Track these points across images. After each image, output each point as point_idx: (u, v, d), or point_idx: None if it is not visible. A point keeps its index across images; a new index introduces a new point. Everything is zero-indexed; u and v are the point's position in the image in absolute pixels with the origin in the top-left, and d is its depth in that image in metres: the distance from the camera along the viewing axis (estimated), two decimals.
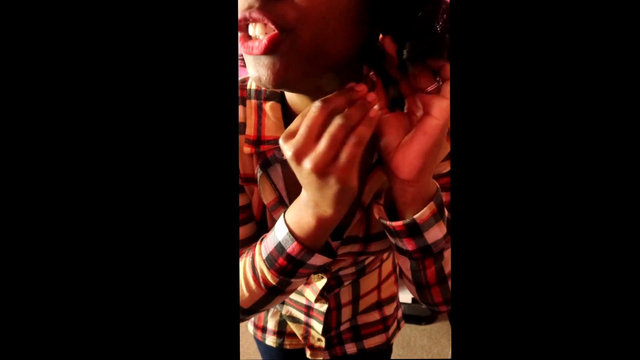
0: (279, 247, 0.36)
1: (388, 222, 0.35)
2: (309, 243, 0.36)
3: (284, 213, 0.37)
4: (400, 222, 0.35)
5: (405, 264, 0.39)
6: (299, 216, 0.35)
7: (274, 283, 0.38)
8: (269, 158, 0.41)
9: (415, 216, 0.34)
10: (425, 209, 0.34)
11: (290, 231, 0.35)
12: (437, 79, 0.33)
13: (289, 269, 0.37)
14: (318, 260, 0.37)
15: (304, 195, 0.34)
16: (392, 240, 0.38)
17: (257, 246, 0.39)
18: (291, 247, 0.36)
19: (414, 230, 0.35)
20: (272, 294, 0.40)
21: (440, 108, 0.31)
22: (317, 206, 0.33)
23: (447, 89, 0.32)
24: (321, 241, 0.37)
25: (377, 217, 0.37)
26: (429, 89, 0.33)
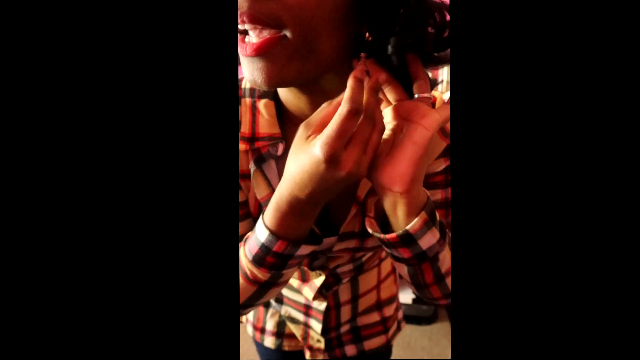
0: (264, 248, 0.36)
1: (382, 235, 0.36)
2: (293, 237, 0.36)
3: (262, 215, 0.37)
4: (393, 235, 0.35)
5: (402, 269, 0.39)
6: (278, 214, 0.35)
7: (265, 279, 0.39)
8: (264, 154, 0.42)
9: (407, 227, 0.34)
10: (416, 219, 0.34)
11: (272, 232, 0.36)
12: (431, 95, 0.34)
13: (278, 264, 0.38)
14: (305, 250, 0.38)
15: (283, 192, 0.34)
16: (387, 250, 0.38)
17: (242, 248, 0.40)
18: (276, 245, 0.36)
19: (408, 240, 0.35)
20: (264, 288, 0.41)
21: (432, 119, 0.32)
22: (303, 199, 0.33)
23: (444, 107, 0.32)
24: (305, 232, 0.37)
25: (369, 230, 0.37)
26: (422, 95, 0.34)
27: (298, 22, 0.28)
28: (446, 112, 0.33)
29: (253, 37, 0.29)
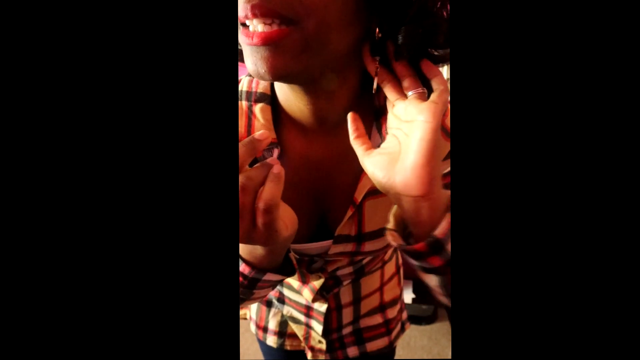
0: None
1: (409, 247, 0.33)
2: (258, 265, 0.36)
3: None
4: (421, 244, 0.31)
5: (434, 281, 0.35)
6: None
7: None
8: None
9: (435, 233, 0.31)
10: (443, 222, 0.31)
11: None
12: (423, 89, 0.32)
13: (246, 284, 0.38)
14: (272, 277, 0.38)
15: None
16: (415, 262, 0.34)
17: None
18: (242, 266, 0.36)
19: (437, 247, 0.31)
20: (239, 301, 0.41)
21: (430, 111, 0.30)
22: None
23: (438, 95, 0.31)
24: (273, 263, 0.37)
25: (394, 244, 0.35)
26: (413, 92, 0.32)
27: (312, 14, 0.27)
28: (443, 98, 0.31)
29: (259, 26, 0.28)
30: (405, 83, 0.33)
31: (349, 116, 0.36)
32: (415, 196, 0.30)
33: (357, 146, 0.35)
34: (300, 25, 0.27)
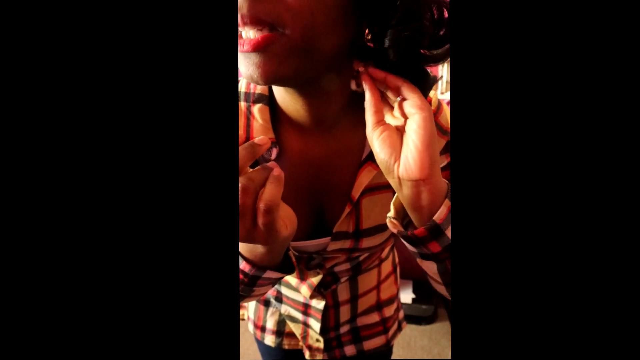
0: None
1: (409, 233, 0.34)
2: (258, 263, 0.37)
3: None
4: (421, 229, 0.33)
5: (432, 269, 0.38)
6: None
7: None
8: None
9: (434, 217, 0.33)
10: (442, 207, 0.33)
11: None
12: (399, 97, 0.34)
13: (246, 282, 0.39)
14: (272, 274, 0.39)
15: None
16: (414, 249, 0.37)
17: None
18: (242, 264, 0.37)
19: (436, 232, 0.33)
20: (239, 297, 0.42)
21: (415, 104, 0.32)
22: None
23: (411, 95, 0.33)
24: (273, 261, 0.38)
25: (394, 231, 0.36)
26: (403, 97, 0.34)
27: (298, 21, 0.28)
28: (412, 89, 0.33)
29: (250, 33, 0.29)
30: (391, 92, 0.35)
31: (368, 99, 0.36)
32: (415, 180, 0.32)
33: (370, 115, 0.35)
34: (286, 31, 0.28)
